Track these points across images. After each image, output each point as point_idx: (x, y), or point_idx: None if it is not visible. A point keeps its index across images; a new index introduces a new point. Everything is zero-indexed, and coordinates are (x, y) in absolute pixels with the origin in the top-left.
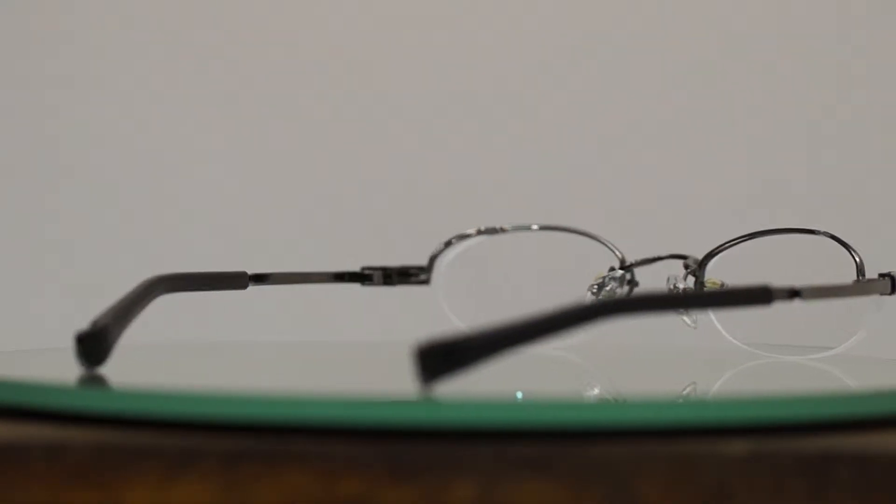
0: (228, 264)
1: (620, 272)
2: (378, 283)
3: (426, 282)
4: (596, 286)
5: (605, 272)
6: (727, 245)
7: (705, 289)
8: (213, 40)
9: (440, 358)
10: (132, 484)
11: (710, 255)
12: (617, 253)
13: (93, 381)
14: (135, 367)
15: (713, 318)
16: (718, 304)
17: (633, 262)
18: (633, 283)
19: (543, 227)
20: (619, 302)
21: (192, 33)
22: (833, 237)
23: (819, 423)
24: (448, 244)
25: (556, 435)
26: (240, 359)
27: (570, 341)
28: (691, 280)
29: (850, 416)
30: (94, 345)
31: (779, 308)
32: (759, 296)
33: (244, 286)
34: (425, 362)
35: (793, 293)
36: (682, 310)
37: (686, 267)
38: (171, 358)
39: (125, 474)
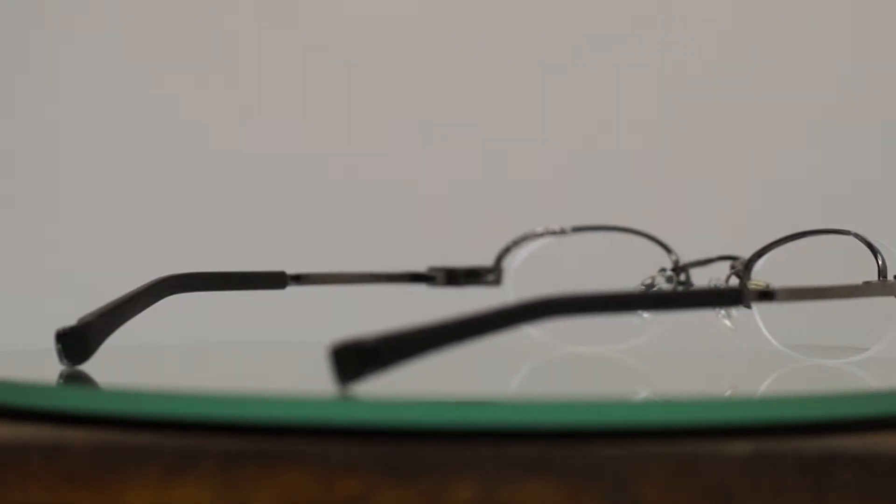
0: (238, 265)
1: (670, 272)
2: (441, 285)
3: (496, 282)
4: (644, 286)
5: (655, 272)
6: (773, 245)
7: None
8: (234, 38)
9: (356, 358)
10: (132, 485)
11: (757, 256)
12: (672, 255)
13: (90, 381)
14: (131, 368)
15: (757, 319)
16: (679, 305)
17: (686, 263)
18: (686, 283)
19: (606, 228)
20: (559, 301)
21: (208, 30)
22: (859, 237)
23: (820, 424)
24: (514, 244)
25: (556, 435)
26: (239, 359)
27: (626, 343)
28: (735, 282)
29: (851, 416)
30: (75, 342)
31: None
32: (727, 297)
33: (282, 286)
34: (340, 363)
35: (765, 294)
36: (634, 311)
37: (732, 268)
38: (169, 358)
39: (124, 475)
